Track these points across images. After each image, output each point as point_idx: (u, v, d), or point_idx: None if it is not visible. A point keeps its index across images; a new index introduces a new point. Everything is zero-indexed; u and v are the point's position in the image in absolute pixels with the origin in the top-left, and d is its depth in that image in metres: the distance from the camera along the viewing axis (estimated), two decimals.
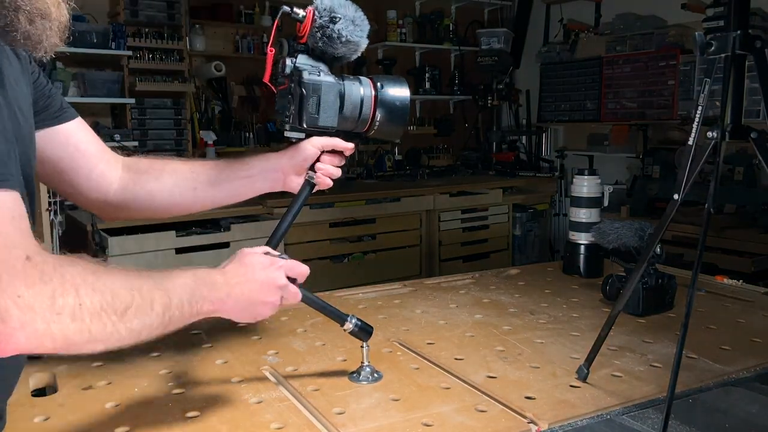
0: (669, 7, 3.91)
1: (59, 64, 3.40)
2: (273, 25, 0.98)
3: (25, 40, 0.71)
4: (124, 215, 1.11)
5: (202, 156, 3.87)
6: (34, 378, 1.09)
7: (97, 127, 3.57)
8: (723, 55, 0.96)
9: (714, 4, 0.98)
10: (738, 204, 3.43)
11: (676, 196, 0.99)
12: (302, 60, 0.97)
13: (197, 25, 3.99)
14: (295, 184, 1.10)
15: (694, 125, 0.97)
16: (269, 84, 1.00)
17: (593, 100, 4.50)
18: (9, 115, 0.72)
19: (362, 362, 1.11)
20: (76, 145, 1.02)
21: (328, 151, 1.07)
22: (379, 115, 1.00)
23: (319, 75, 0.96)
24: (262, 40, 4.23)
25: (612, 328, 1.11)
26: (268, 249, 0.96)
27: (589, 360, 1.10)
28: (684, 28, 3.90)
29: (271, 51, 0.97)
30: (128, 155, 1.12)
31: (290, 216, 1.03)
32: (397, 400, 1.02)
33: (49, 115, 0.97)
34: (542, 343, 1.29)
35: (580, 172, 1.86)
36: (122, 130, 3.61)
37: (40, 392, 1.08)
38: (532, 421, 0.96)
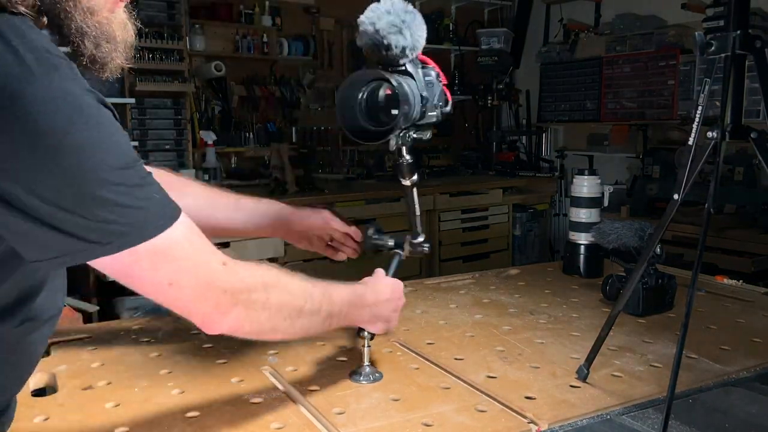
0: (669, 7, 3.92)
1: None
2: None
3: (91, 63, 0.75)
4: None
5: (203, 156, 3.88)
6: (34, 378, 1.09)
7: None
8: (723, 55, 0.96)
9: (714, 4, 0.98)
10: (738, 204, 3.43)
11: (676, 196, 0.99)
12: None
13: (197, 25, 3.99)
14: (294, 239, 1.34)
15: (694, 125, 0.97)
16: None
17: (593, 100, 4.49)
18: None
19: (362, 362, 1.11)
20: None
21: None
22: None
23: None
24: (262, 40, 4.23)
25: (612, 328, 1.11)
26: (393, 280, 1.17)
27: (589, 360, 1.10)
28: (684, 28, 3.90)
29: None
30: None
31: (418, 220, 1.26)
32: (397, 400, 1.02)
33: None
34: (542, 343, 1.29)
35: (580, 172, 1.86)
36: None
37: (40, 392, 1.08)
38: (532, 421, 0.96)
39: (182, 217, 0.74)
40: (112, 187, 0.66)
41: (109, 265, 0.72)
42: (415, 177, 1.16)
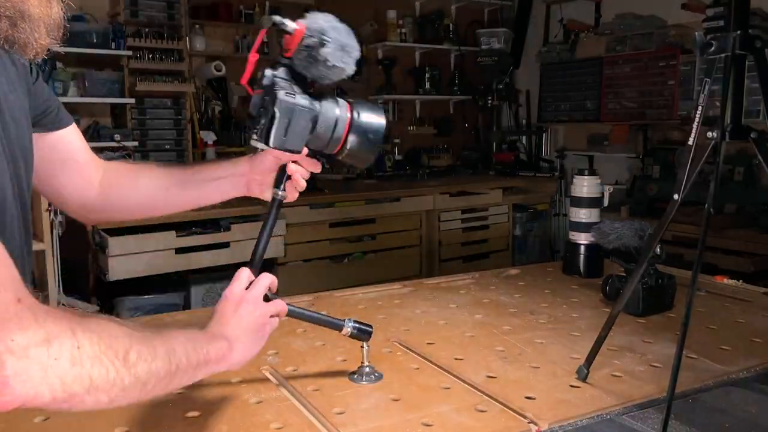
0: (669, 7, 3.92)
1: (59, 64, 3.40)
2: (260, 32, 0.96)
3: (9, 44, 0.69)
4: (104, 218, 1.14)
5: (203, 156, 3.88)
6: None
7: (97, 127, 3.57)
8: (723, 55, 0.96)
9: (714, 4, 0.98)
10: (738, 204, 3.43)
11: (676, 196, 0.99)
12: (281, 74, 0.95)
13: (197, 25, 3.99)
14: (256, 190, 1.10)
15: (694, 125, 0.97)
16: (246, 86, 0.98)
17: (593, 100, 4.49)
18: (4, 134, 0.71)
19: (362, 362, 1.11)
20: (70, 152, 1.01)
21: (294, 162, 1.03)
22: (351, 140, 0.97)
23: (294, 97, 0.93)
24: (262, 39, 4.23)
25: (612, 328, 1.11)
26: (248, 272, 0.94)
27: (589, 360, 1.10)
28: (684, 28, 3.90)
29: (254, 56, 0.96)
30: (110, 159, 1.12)
31: (266, 235, 1.00)
32: (397, 400, 1.02)
33: (48, 121, 0.96)
34: (542, 343, 1.29)
35: (580, 172, 1.86)
36: (122, 130, 3.61)
37: None
38: (532, 421, 0.96)
39: None
40: None
41: None
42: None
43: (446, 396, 1.04)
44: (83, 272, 3.05)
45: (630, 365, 1.18)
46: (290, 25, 0.91)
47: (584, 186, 1.82)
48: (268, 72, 0.95)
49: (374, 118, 0.99)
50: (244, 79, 0.97)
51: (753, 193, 3.36)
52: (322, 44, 0.91)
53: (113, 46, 3.53)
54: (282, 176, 1.01)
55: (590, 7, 4.65)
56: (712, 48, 0.97)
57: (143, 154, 3.80)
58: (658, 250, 1.40)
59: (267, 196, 1.05)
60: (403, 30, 4.83)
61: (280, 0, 4.34)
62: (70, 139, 1.00)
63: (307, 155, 0.99)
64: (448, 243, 4.14)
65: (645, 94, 4.13)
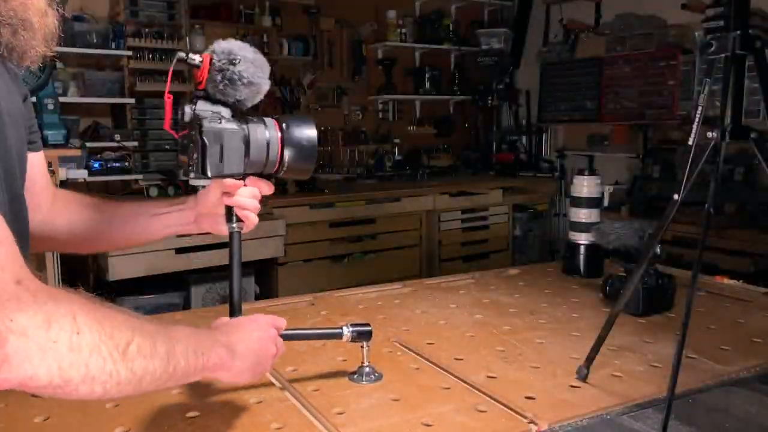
0: (669, 7, 3.91)
1: (59, 64, 3.39)
2: (169, 71, 0.96)
3: (9, 52, 0.70)
4: (47, 246, 1.10)
5: None
6: None
7: (97, 127, 3.57)
8: (723, 55, 0.96)
9: (714, 4, 0.98)
10: (738, 204, 3.43)
11: (676, 196, 0.99)
12: (202, 106, 0.94)
13: (197, 25, 3.99)
14: (206, 226, 1.07)
15: (694, 125, 0.97)
16: (170, 130, 0.97)
17: (593, 100, 4.49)
18: (8, 122, 0.71)
19: (362, 362, 1.11)
20: (32, 177, 1.00)
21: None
22: (287, 156, 0.97)
23: (220, 122, 0.93)
24: (262, 39, 4.23)
25: (612, 328, 1.11)
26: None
27: (589, 360, 1.10)
28: (684, 28, 3.90)
29: (168, 97, 0.95)
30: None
31: (236, 273, 0.99)
32: (397, 400, 1.02)
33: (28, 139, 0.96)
34: (542, 343, 1.29)
35: (580, 173, 1.86)
36: (122, 130, 3.61)
37: None
38: (532, 421, 0.96)
39: None
40: None
41: None
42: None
43: (446, 396, 1.04)
44: (83, 272, 3.05)
45: (630, 365, 1.18)
46: (196, 57, 0.92)
47: (584, 186, 1.82)
48: (188, 108, 0.94)
49: (305, 130, 0.98)
50: (167, 124, 0.96)
51: (753, 193, 3.36)
52: (232, 63, 0.91)
53: (113, 46, 3.53)
54: (230, 208, 1.00)
55: (590, 7, 4.65)
56: (712, 48, 0.97)
57: (143, 154, 3.80)
58: (658, 250, 1.40)
59: (220, 230, 1.04)
60: (403, 30, 4.83)
61: (280, 0, 4.35)
62: (38, 164, 0.98)
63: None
64: (448, 243, 4.14)
65: (645, 94, 4.13)
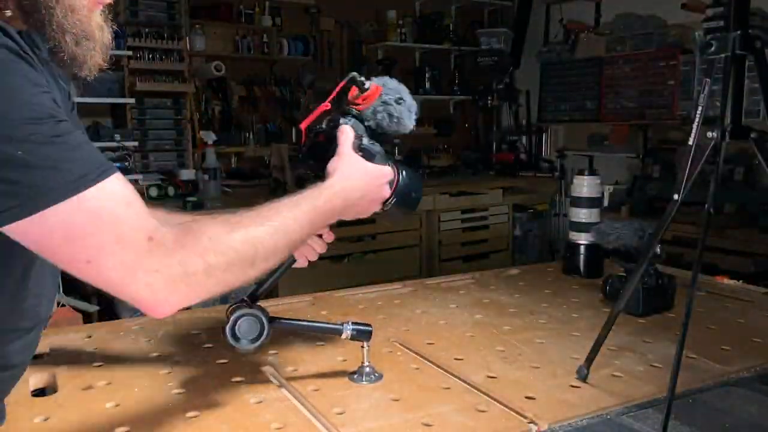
0: (669, 7, 3.91)
1: None
2: (336, 85, 1.02)
3: (71, 60, 0.76)
4: None
5: (203, 156, 3.88)
6: (34, 378, 1.09)
7: (97, 127, 3.57)
8: (723, 55, 0.96)
9: (714, 4, 0.99)
10: (738, 204, 3.43)
11: (676, 196, 0.99)
12: (351, 122, 1.02)
13: (197, 25, 3.99)
14: None
15: (694, 125, 0.97)
16: (304, 130, 1.04)
17: (593, 100, 4.49)
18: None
19: (362, 362, 1.11)
20: None
21: None
22: (395, 198, 1.03)
23: (373, 144, 1.02)
24: (262, 39, 4.23)
25: (612, 328, 1.11)
26: None
27: (589, 360, 1.10)
28: (684, 28, 3.90)
29: (327, 106, 1.03)
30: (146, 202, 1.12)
31: (267, 283, 1.05)
32: (397, 400, 1.02)
33: None
34: (542, 343, 1.29)
35: (580, 173, 1.86)
36: (122, 130, 3.61)
37: (40, 392, 1.08)
38: (532, 421, 0.96)
39: (106, 180, 0.67)
40: (16, 144, 0.62)
41: (23, 235, 0.65)
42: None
43: (446, 396, 1.04)
44: None
45: (630, 365, 1.18)
46: (367, 83, 1.01)
47: (584, 186, 1.82)
48: (343, 120, 1.02)
49: (416, 183, 1.07)
50: (305, 123, 1.04)
51: (753, 193, 3.36)
52: (398, 102, 1.02)
53: (113, 46, 3.53)
54: None
55: (590, 7, 4.65)
56: (712, 48, 0.97)
57: (143, 154, 3.81)
58: (658, 250, 1.40)
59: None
60: (403, 30, 4.83)
61: (281, 0, 4.35)
62: None
63: None
64: (448, 243, 4.14)
65: (645, 94, 4.13)
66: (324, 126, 1.03)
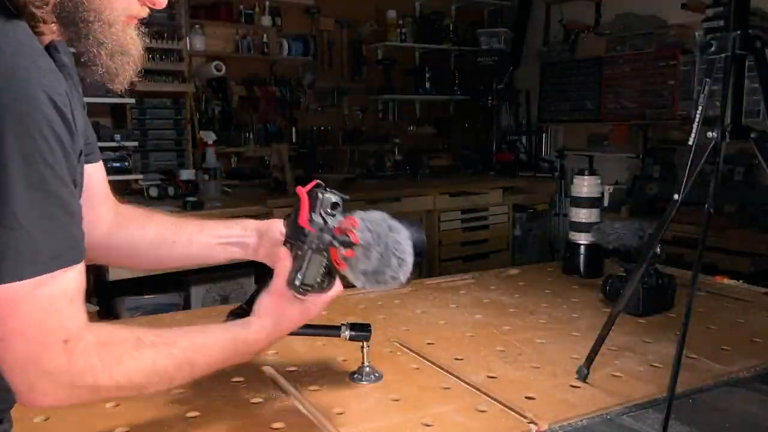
0: (669, 7, 3.91)
1: None
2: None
3: (105, 73, 0.78)
4: (105, 260, 1.13)
5: (203, 156, 3.88)
6: None
7: (97, 127, 3.57)
8: (723, 55, 0.96)
9: (714, 4, 0.98)
10: (738, 204, 3.43)
11: (676, 196, 0.99)
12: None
13: (197, 25, 3.99)
14: (265, 259, 1.06)
15: (694, 125, 0.97)
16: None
17: (593, 100, 4.50)
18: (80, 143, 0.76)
19: (362, 362, 1.11)
20: (92, 186, 1.02)
21: None
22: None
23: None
24: (262, 39, 4.23)
25: (612, 328, 1.11)
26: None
27: (589, 360, 1.10)
28: (684, 28, 3.90)
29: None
30: (124, 202, 1.12)
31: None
32: (397, 400, 1.02)
33: (84, 152, 0.98)
34: (542, 343, 1.29)
35: (580, 173, 1.86)
36: (122, 130, 3.61)
37: None
38: (532, 421, 0.96)
39: (67, 271, 0.67)
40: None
41: None
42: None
43: (446, 396, 1.04)
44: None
45: (630, 365, 1.18)
46: (350, 233, 0.89)
47: (584, 186, 1.82)
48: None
49: (418, 237, 0.98)
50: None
51: (753, 193, 3.36)
52: (367, 256, 0.89)
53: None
54: None
55: (590, 7, 4.65)
56: (712, 48, 0.97)
57: (143, 154, 3.80)
58: (658, 250, 1.40)
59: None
60: (403, 30, 4.83)
61: (281, 0, 4.35)
62: (98, 176, 1.02)
63: None
64: (448, 243, 4.14)
65: (645, 94, 4.13)
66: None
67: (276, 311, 0.89)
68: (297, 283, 0.88)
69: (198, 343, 0.83)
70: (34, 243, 0.65)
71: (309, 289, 0.89)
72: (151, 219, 1.10)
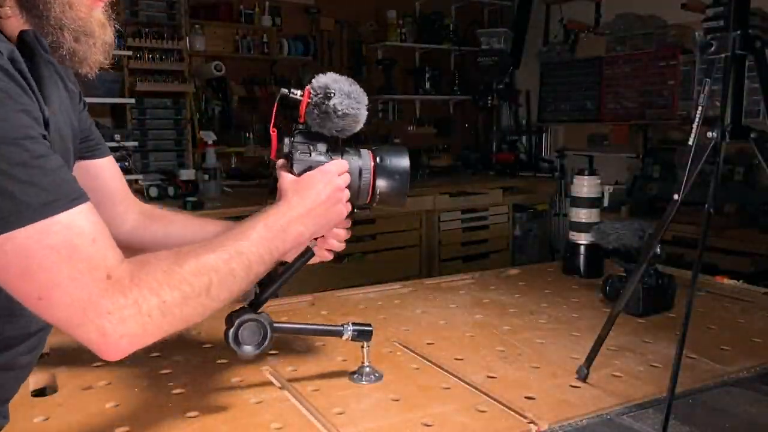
0: (669, 7, 3.91)
1: None
2: (273, 106, 0.99)
3: (70, 56, 0.76)
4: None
5: (203, 156, 3.88)
6: (34, 378, 1.09)
7: (97, 127, 3.57)
8: (723, 55, 0.96)
9: (714, 4, 0.98)
10: (738, 204, 3.43)
11: (676, 196, 0.99)
12: (298, 139, 0.99)
13: (197, 25, 3.99)
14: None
15: (694, 125, 0.97)
16: (275, 160, 1.02)
17: (593, 100, 4.50)
18: (56, 138, 0.75)
19: (362, 362, 1.11)
20: (105, 181, 1.03)
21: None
22: (380, 185, 1.01)
23: (310, 155, 0.98)
24: (262, 39, 4.23)
25: (612, 328, 1.11)
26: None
27: (589, 360, 1.10)
28: (684, 28, 3.90)
29: (273, 131, 1.00)
30: (147, 202, 1.13)
31: (282, 278, 1.03)
32: (397, 400, 1.02)
33: (86, 148, 0.99)
34: (542, 343, 1.29)
35: (580, 173, 1.86)
36: (122, 130, 3.61)
37: (40, 392, 1.08)
38: (532, 421, 0.96)
39: (73, 211, 0.66)
40: None
41: None
42: None
43: (446, 396, 1.04)
44: None
45: (630, 365, 1.18)
46: (297, 92, 0.96)
47: (584, 186, 1.82)
48: (286, 140, 0.99)
49: (397, 160, 1.02)
50: (273, 155, 1.01)
51: (753, 193, 3.36)
52: (327, 97, 0.95)
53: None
54: None
55: (590, 7, 4.65)
56: (712, 48, 0.97)
57: (143, 154, 3.80)
58: (658, 250, 1.40)
59: (290, 257, 1.06)
60: (403, 30, 4.83)
61: (281, 0, 4.35)
62: (107, 169, 1.03)
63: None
64: (448, 243, 4.14)
65: (645, 94, 4.13)
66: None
67: (294, 189, 0.94)
68: (295, 155, 0.97)
69: (235, 232, 0.83)
70: (32, 191, 0.62)
71: (306, 154, 0.97)
72: (176, 219, 1.11)
